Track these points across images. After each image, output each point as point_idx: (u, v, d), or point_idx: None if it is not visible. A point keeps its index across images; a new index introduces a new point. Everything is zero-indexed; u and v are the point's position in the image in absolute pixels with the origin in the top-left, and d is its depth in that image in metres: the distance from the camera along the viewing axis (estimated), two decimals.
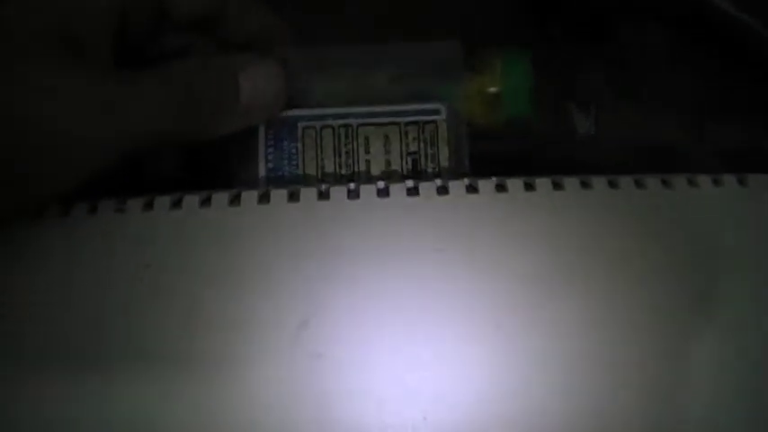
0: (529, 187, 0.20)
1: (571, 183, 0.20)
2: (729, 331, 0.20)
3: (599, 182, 0.21)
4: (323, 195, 0.20)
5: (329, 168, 0.22)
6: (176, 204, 0.20)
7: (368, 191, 0.20)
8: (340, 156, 0.22)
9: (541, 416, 0.18)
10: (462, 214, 0.20)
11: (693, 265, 0.20)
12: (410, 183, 0.20)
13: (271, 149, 0.22)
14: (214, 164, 0.24)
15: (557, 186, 0.20)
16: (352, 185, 0.20)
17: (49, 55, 0.17)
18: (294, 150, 0.22)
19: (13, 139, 0.17)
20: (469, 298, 0.19)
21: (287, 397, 0.19)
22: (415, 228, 0.20)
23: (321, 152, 0.22)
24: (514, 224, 0.20)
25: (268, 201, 0.20)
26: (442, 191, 0.20)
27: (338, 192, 0.20)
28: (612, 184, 0.21)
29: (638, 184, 0.21)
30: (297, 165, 0.22)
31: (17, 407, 0.19)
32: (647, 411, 0.19)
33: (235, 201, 0.20)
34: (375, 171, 0.22)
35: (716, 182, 0.21)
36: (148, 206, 0.20)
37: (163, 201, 0.20)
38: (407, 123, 0.22)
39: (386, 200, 0.20)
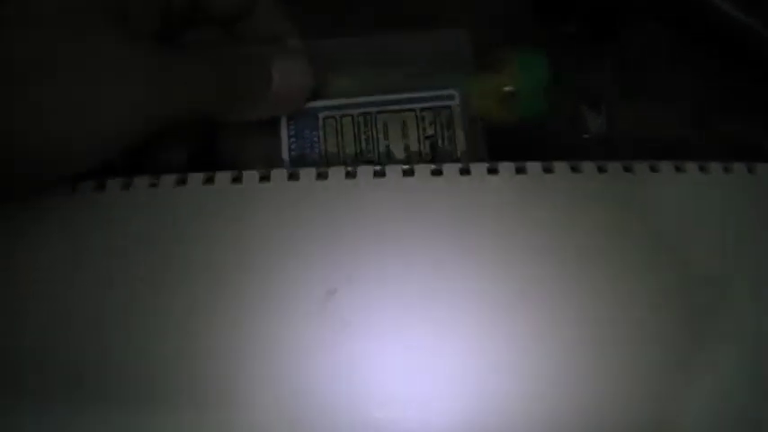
0: (547, 170, 0.21)
1: (588, 167, 0.21)
2: (737, 313, 0.20)
3: (614, 167, 0.21)
4: (350, 174, 0.21)
5: (350, 155, 0.23)
6: (209, 180, 0.21)
7: (394, 170, 0.21)
8: (360, 143, 0.23)
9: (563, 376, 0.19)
10: (483, 194, 0.21)
11: (704, 248, 0.21)
12: (434, 165, 0.21)
13: (293, 139, 0.23)
14: (226, 156, 0.24)
15: (574, 170, 0.21)
16: (378, 167, 0.21)
17: (107, 23, 0.18)
18: (316, 139, 0.23)
19: (58, 97, 0.18)
20: (490, 274, 0.20)
21: (314, 363, 0.19)
22: (439, 206, 0.21)
23: (342, 139, 0.23)
24: (533, 204, 0.21)
25: (297, 178, 0.21)
26: (465, 172, 0.21)
27: (365, 171, 0.21)
28: (627, 169, 0.22)
29: (653, 169, 0.21)
30: (319, 153, 0.23)
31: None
32: (645, 408, 0.19)
33: (265, 178, 0.21)
34: (395, 155, 0.23)
35: (726, 169, 0.22)
36: (182, 182, 0.21)
37: (196, 177, 0.21)
38: (423, 109, 0.23)
39: (410, 179, 0.21)
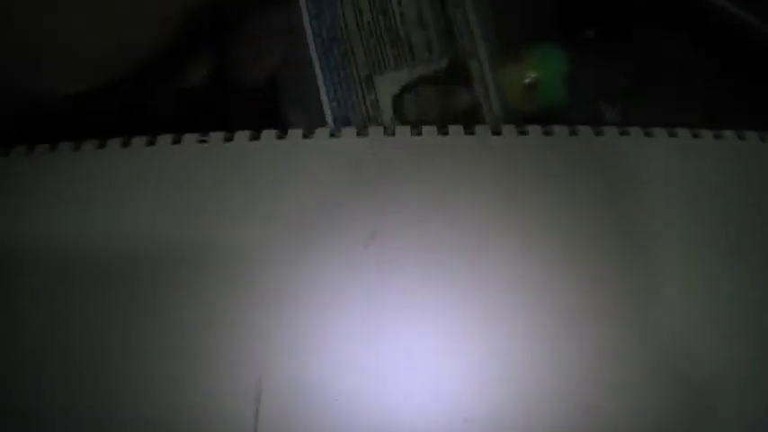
0: (572, 133, 0.23)
1: (611, 131, 0.23)
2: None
3: (635, 131, 0.23)
4: (388, 132, 0.22)
5: (365, 7, 0.25)
6: (255, 138, 0.22)
7: (429, 131, 0.22)
8: None
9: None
10: (513, 152, 0.22)
11: (717, 212, 0.22)
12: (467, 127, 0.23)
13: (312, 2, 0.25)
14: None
15: (598, 133, 0.23)
16: (415, 129, 0.23)
17: None
18: None
19: None
20: (522, 228, 0.21)
21: (353, 300, 0.20)
22: (472, 162, 0.22)
23: None
24: (558, 163, 0.22)
25: (339, 136, 0.22)
26: (496, 132, 0.22)
27: (403, 131, 0.22)
28: (648, 134, 0.23)
29: (671, 134, 0.23)
30: (335, 5, 0.25)
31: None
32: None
33: (308, 135, 0.22)
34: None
35: (740, 137, 0.23)
36: (229, 139, 0.22)
37: (244, 134, 0.22)
38: None
39: (445, 138, 0.22)
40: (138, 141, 0.23)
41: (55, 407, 0.20)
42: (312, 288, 0.20)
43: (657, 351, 0.20)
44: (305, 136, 0.22)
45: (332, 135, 0.22)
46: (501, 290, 0.21)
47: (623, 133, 0.23)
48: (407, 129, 0.22)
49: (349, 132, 0.22)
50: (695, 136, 0.23)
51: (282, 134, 0.22)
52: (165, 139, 0.23)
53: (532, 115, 0.28)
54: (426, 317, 0.20)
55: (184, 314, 0.20)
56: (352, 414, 0.19)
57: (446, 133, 0.22)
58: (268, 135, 0.22)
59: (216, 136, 0.22)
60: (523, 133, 0.23)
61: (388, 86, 0.25)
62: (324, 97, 0.24)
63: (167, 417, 0.19)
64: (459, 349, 0.20)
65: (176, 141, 0.22)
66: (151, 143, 0.22)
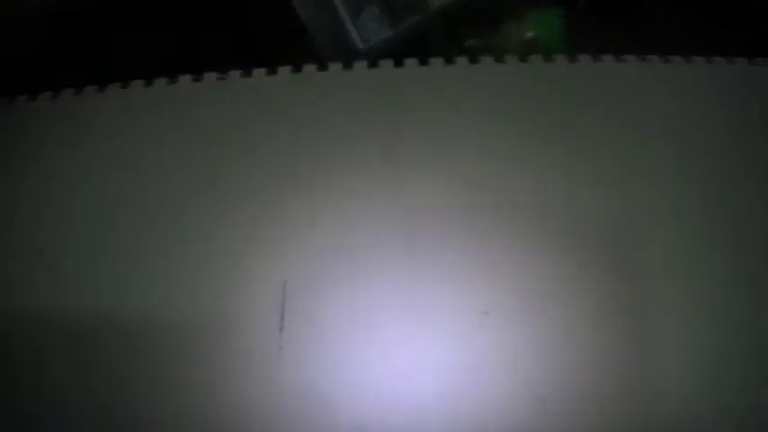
0: (572, 60, 0.24)
1: (608, 59, 0.24)
2: None
3: (631, 59, 0.24)
4: (398, 64, 0.24)
5: None
6: (271, 73, 0.24)
7: (436, 61, 0.24)
8: None
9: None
10: (516, 79, 0.24)
11: (709, 131, 0.23)
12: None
13: None
14: None
15: (596, 60, 0.24)
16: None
17: None
18: None
19: None
20: (521, 154, 0.22)
21: (373, 207, 0.21)
22: (477, 88, 0.23)
23: None
24: (558, 88, 0.23)
25: (352, 68, 0.24)
26: (500, 61, 0.24)
27: (412, 63, 0.24)
28: (644, 60, 0.24)
29: (665, 60, 0.24)
30: None
31: None
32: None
33: (323, 68, 0.24)
34: None
35: (730, 62, 0.25)
36: (272, 72, 0.24)
37: (261, 71, 0.24)
38: None
39: (450, 67, 0.24)
40: (160, 82, 0.24)
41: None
42: (335, 198, 0.21)
43: None
44: (319, 69, 0.24)
45: (345, 67, 0.24)
46: (505, 205, 0.21)
47: (619, 60, 0.24)
48: (416, 60, 0.24)
49: (361, 64, 0.24)
50: (688, 61, 0.24)
51: (297, 69, 0.24)
52: (185, 79, 0.24)
53: None
54: (443, 217, 0.21)
55: (217, 226, 0.21)
56: (374, 311, 0.20)
57: (452, 62, 0.24)
58: (284, 71, 0.24)
59: (234, 74, 0.24)
60: (525, 61, 0.24)
61: None
62: None
63: (197, 317, 0.19)
64: (477, 254, 0.21)
65: (197, 80, 0.24)
66: (173, 83, 0.24)
